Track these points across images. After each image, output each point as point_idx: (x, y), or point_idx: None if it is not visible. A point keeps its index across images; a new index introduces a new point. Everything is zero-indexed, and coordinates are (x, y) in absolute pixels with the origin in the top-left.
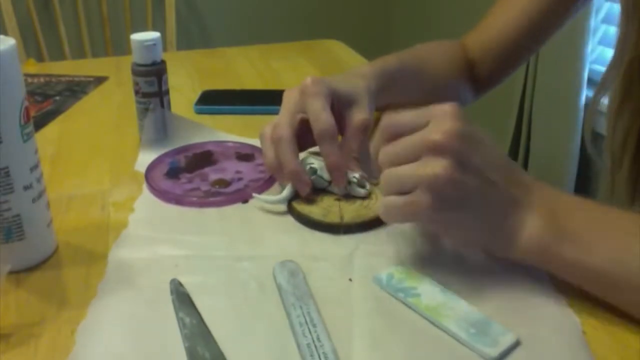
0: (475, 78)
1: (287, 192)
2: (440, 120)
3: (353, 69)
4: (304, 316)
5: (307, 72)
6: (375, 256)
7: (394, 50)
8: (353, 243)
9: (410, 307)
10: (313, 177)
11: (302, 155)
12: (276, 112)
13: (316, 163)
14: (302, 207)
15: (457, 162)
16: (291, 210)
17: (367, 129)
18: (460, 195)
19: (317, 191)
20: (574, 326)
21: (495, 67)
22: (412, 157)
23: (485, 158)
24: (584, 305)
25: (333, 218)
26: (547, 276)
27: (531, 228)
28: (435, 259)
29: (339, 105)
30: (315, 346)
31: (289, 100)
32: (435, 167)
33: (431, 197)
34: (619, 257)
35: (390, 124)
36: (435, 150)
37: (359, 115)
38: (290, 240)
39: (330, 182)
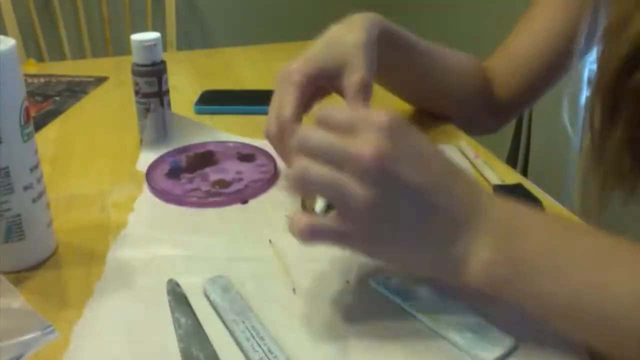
0: (494, 99)
1: (318, 210)
2: (373, 130)
3: (346, 20)
4: (249, 330)
5: None
6: (375, 259)
7: None
8: None
9: (407, 311)
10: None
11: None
12: None
13: None
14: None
15: (386, 186)
16: None
17: (366, 87)
18: (392, 226)
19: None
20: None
21: (518, 88)
22: (332, 161)
23: (424, 178)
24: None
25: None
26: None
27: (481, 255)
28: None
29: (331, 79)
30: (269, 359)
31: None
32: (360, 192)
33: (357, 228)
34: (584, 292)
35: (324, 115)
36: (362, 169)
37: (351, 78)
38: (289, 241)
39: None
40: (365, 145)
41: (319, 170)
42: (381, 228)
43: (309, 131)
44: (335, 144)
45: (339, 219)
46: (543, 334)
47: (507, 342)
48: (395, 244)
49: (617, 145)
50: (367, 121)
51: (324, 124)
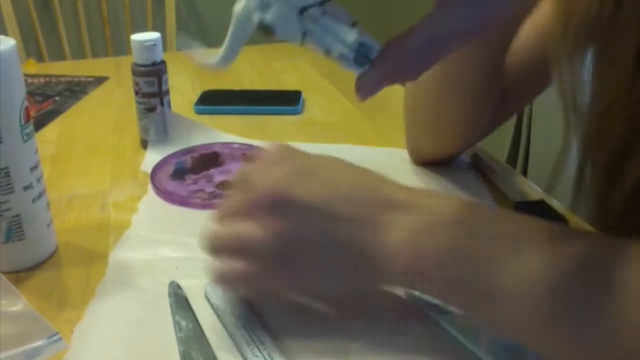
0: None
1: (226, 53)
2: (258, 172)
3: None
4: (249, 335)
5: (307, 72)
6: None
7: None
8: None
9: (442, 325)
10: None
11: None
12: (276, 112)
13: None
14: None
15: (277, 215)
16: None
17: None
18: (293, 248)
19: None
20: None
21: (511, 85)
22: (237, 215)
23: (322, 191)
24: None
25: None
26: None
27: (399, 228)
28: None
29: None
30: None
31: None
32: (254, 229)
33: (261, 264)
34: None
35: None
36: (253, 208)
37: None
38: None
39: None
40: (252, 186)
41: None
42: (280, 255)
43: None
44: (236, 200)
45: (250, 259)
46: None
47: None
48: (307, 265)
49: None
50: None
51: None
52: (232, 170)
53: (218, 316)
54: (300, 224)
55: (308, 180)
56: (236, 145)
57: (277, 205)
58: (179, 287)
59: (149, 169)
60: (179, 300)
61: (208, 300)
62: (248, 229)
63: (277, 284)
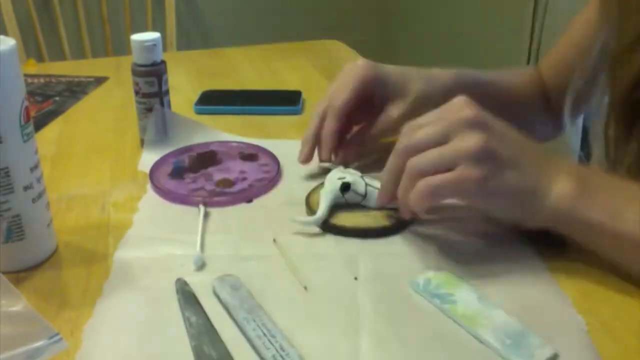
0: (551, 106)
1: (321, 212)
2: (460, 106)
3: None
4: (260, 328)
5: (307, 72)
6: (381, 255)
7: (394, 51)
8: (358, 243)
9: (445, 314)
10: (347, 193)
11: (332, 171)
12: (276, 112)
13: (348, 177)
14: (344, 223)
15: (490, 134)
16: (330, 228)
17: (394, 130)
18: (499, 163)
19: (351, 206)
20: (582, 332)
21: (559, 93)
22: (446, 164)
23: (511, 134)
24: (585, 306)
25: (382, 222)
26: (551, 277)
27: (560, 188)
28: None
29: (386, 92)
30: (281, 356)
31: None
32: (472, 139)
33: (476, 168)
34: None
35: (409, 145)
36: (468, 125)
37: (392, 112)
38: (295, 240)
39: (364, 196)
40: (469, 143)
41: (437, 149)
42: (491, 165)
43: (419, 157)
44: (445, 154)
45: (462, 166)
46: (583, 346)
47: (547, 351)
48: (499, 182)
49: (632, 159)
50: (458, 122)
51: (416, 145)
52: (231, 169)
53: (228, 311)
54: (498, 144)
55: (502, 126)
56: (233, 144)
57: (478, 124)
58: (185, 283)
59: (145, 169)
60: (187, 297)
61: (217, 295)
62: (456, 144)
63: (473, 191)
